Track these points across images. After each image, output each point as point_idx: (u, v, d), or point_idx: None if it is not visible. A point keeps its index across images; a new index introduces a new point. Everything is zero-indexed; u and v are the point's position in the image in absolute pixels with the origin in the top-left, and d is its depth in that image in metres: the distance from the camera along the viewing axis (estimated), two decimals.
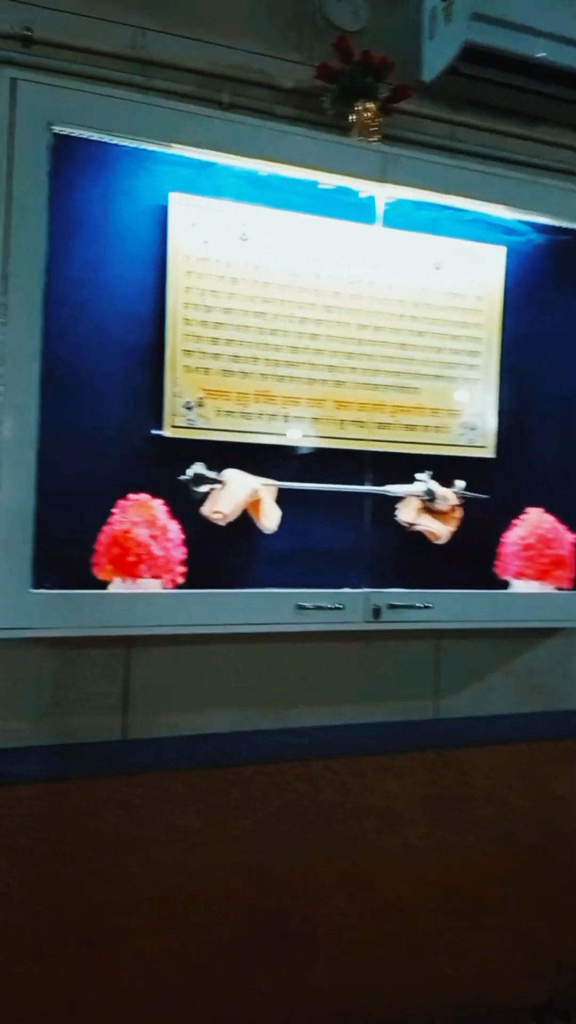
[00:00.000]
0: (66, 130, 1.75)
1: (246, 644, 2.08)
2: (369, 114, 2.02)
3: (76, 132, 1.76)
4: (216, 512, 1.91)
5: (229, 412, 2.01)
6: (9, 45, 1.85)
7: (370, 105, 2.02)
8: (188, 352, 1.97)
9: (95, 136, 1.79)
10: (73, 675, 1.93)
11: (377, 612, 1.97)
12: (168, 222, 1.93)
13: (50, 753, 1.92)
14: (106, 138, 1.80)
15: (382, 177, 1.97)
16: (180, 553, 1.87)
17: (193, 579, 1.89)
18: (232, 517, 1.92)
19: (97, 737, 1.97)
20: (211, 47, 2.04)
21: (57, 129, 1.73)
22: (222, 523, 1.91)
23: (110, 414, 1.90)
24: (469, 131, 2.32)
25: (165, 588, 1.84)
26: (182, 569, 1.87)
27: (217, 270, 1.98)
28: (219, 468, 1.97)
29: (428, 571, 2.14)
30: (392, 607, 1.98)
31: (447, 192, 2.08)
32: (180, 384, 1.96)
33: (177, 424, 1.96)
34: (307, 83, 2.09)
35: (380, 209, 2.06)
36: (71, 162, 1.82)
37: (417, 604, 2.01)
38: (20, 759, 1.89)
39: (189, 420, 1.97)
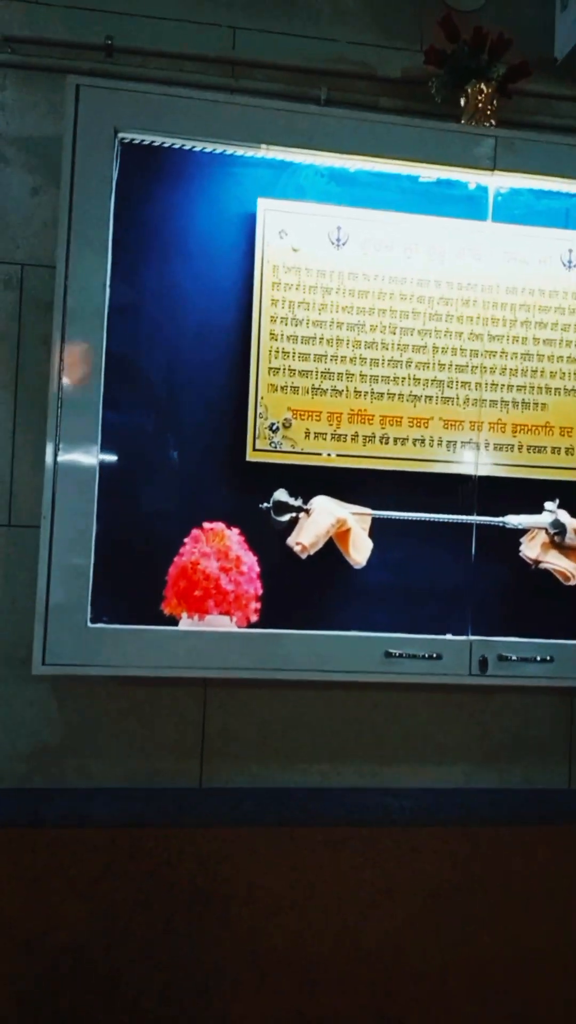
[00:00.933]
0: (138, 137, 1.66)
1: (338, 690, 1.86)
2: (482, 97, 1.78)
3: (149, 138, 1.67)
4: (297, 543, 1.72)
5: (319, 434, 1.82)
6: (92, 56, 1.79)
7: (482, 87, 1.78)
8: (274, 370, 1.81)
9: (172, 142, 1.69)
10: (147, 715, 1.81)
11: (484, 664, 1.69)
12: (255, 230, 1.80)
13: (123, 796, 1.80)
14: (186, 144, 1.70)
15: (492, 165, 1.72)
16: (254, 588, 1.69)
17: (270, 617, 1.71)
18: (314, 549, 1.73)
19: (173, 783, 1.82)
20: (308, 41, 1.90)
21: (126, 136, 1.65)
22: (303, 556, 1.72)
23: (187, 436, 1.78)
24: None
25: (238, 626, 1.67)
26: (256, 606, 1.70)
27: (308, 280, 1.82)
28: (308, 495, 1.79)
29: (553, 617, 1.83)
30: (503, 659, 1.69)
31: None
32: (265, 404, 1.81)
33: (260, 447, 1.80)
34: (416, 71, 1.89)
35: (492, 201, 1.80)
36: (148, 171, 1.73)
37: (535, 657, 1.71)
38: (91, 800, 1.78)
39: (274, 443, 1.81)
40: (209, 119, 1.67)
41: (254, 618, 1.69)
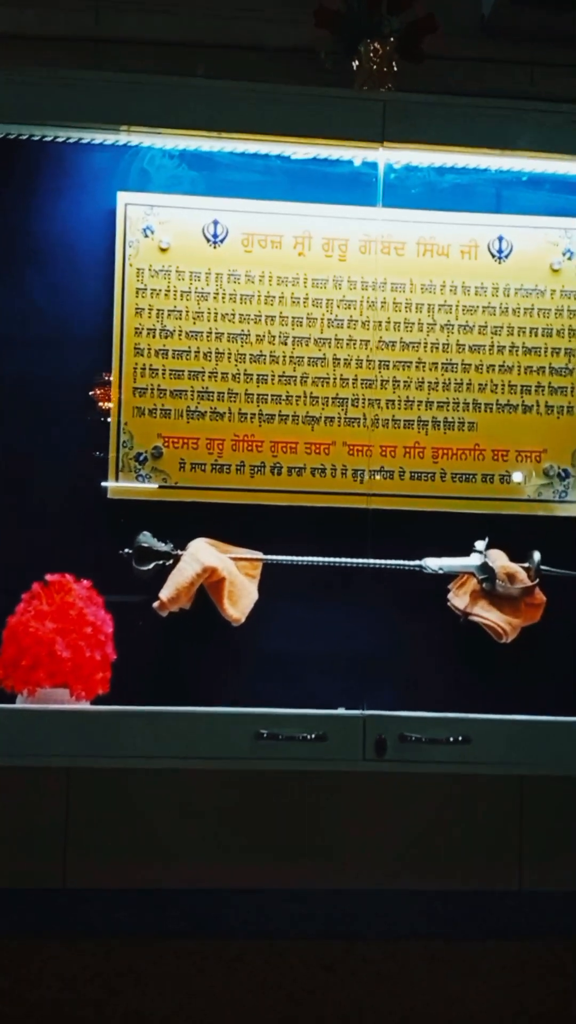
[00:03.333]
0: None
1: (231, 771, 1.54)
2: (376, 57, 1.49)
3: None
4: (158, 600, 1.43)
5: (197, 464, 1.54)
6: None
7: (376, 46, 1.49)
8: (140, 391, 1.54)
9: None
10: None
11: (381, 746, 1.35)
12: (115, 228, 1.53)
13: None
14: (24, 131, 1.45)
15: (381, 137, 1.42)
16: (101, 654, 1.40)
17: (126, 689, 1.41)
18: (175, 606, 1.44)
19: (30, 883, 1.53)
20: (181, 17, 1.63)
21: None
22: (162, 613, 1.43)
23: (34, 469, 1.53)
24: (551, 73, 1.69)
25: (78, 700, 1.38)
26: (105, 675, 1.40)
27: (180, 284, 1.55)
28: (184, 538, 1.50)
29: (474, 687, 1.49)
30: (405, 739, 1.35)
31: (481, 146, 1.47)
32: (130, 431, 1.53)
33: (125, 481, 1.53)
34: (308, 39, 1.60)
35: (382, 181, 1.50)
36: None
37: (447, 737, 1.36)
38: None
39: (141, 476, 1.53)
40: (56, 100, 1.41)
41: (102, 691, 1.40)
